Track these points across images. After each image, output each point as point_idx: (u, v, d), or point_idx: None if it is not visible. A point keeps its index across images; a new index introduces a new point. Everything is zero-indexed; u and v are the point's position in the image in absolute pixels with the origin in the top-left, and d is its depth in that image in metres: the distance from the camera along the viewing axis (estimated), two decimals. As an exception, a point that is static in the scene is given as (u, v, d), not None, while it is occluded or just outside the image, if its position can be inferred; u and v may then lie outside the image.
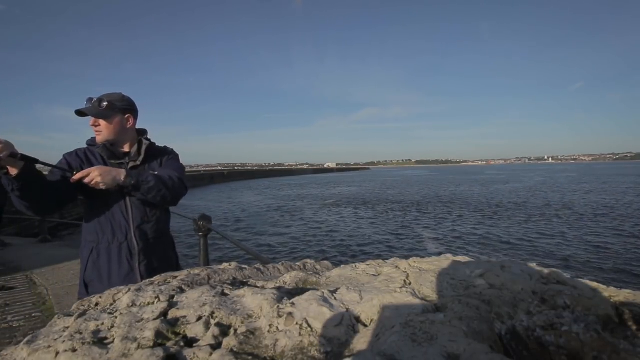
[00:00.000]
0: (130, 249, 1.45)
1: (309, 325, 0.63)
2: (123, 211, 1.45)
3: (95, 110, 1.43)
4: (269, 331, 0.64)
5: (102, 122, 1.44)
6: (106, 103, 1.43)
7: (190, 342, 0.64)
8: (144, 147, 1.52)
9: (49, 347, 0.63)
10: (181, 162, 1.66)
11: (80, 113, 1.43)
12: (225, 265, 1.09)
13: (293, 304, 0.70)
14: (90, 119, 1.45)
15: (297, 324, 0.64)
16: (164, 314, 0.73)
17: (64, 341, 0.63)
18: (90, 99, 1.45)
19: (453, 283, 0.79)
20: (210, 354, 0.58)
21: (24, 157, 1.16)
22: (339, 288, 0.80)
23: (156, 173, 1.45)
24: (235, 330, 0.66)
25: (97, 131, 1.45)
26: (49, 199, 1.30)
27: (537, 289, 0.66)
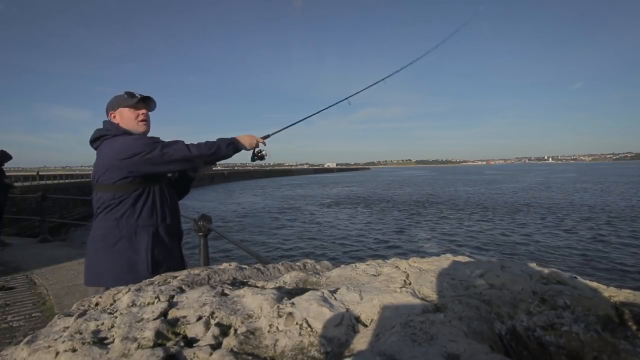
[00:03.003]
0: (179, 234, 1.64)
1: (309, 325, 0.63)
2: (174, 198, 1.63)
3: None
4: (269, 331, 0.64)
5: (149, 114, 1.61)
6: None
7: (190, 342, 0.64)
8: None
9: (49, 347, 0.63)
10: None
11: (150, 100, 1.59)
12: (225, 265, 1.09)
13: (293, 304, 0.70)
14: (142, 111, 1.58)
15: (297, 324, 0.64)
16: (164, 314, 0.73)
17: (64, 341, 0.63)
18: (132, 93, 1.57)
19: (453, 283, 0.79)
20: (210, 354, 0.58)
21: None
22: (339, 288, 0.80)
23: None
24: (235, 330, 0.66)
25: (146, 122, 1.58)
26: None
27: (537, 289, 0.66)
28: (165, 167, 1.46)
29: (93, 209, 1.52)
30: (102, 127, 1.54)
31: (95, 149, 1.52)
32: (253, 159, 1.72)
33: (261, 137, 1.70)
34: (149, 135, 1.59)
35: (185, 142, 1.48)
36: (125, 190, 1.45)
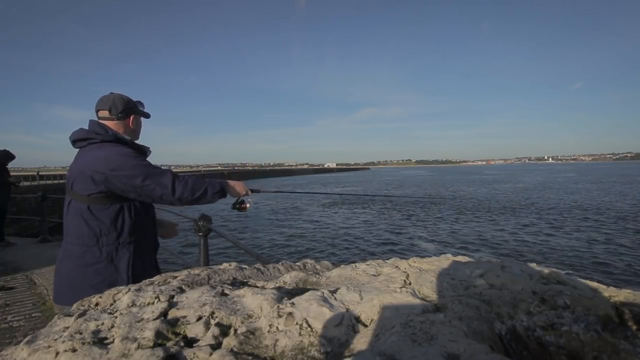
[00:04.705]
0: (156, 247, 1.60)
1: (309, 325, 0.64)
2: (152, 209, 1.58)
3: None
4: (269, 331, 0.64)
5: None
6: None
7: (190, 342, 0.64)
8: None
9: (49, 347, 0.63)
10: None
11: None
12: (225, 265, 1.09)
13: (293, 304, 0.70)
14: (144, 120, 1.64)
15: (297, 324, 0.64)
16: (164, 314, 0.73)
17: (64, 341, 0.63)
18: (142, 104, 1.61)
19: (453, 283, 0.79)
20: (210, 354, 0.58)
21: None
22: (339, 288, 0.80)
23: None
24: (235, 330, 0.66)
25: None
26: None
27: (537, 289, 0.66)
28: (139, 197, 1.38)
29: (63, 212, 1.41)
30: (88, 127, 1.44)
31: (77, 148, 1.43)
32: (234, 207, 1.67)
33: (250, 189, 1.66)
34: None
35: (173, 176, 1.37)
36: (101, 204, 1.35)
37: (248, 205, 1.67)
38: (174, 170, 1.54)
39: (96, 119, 1.48)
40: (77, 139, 1.42)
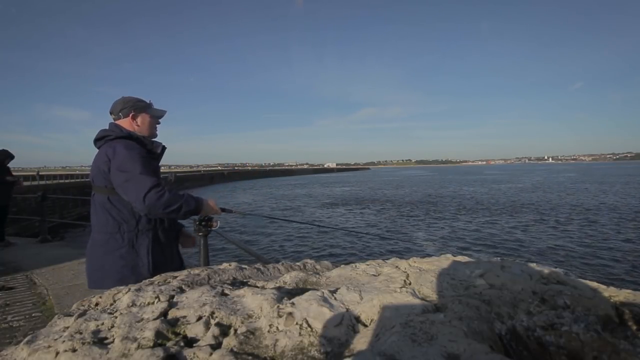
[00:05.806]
0: (177, 236, 1.65)
1: (309, 325, 0.64)
2: None
3: None
4: (269, 331, 0.64)
5: None
6: None
7: (190, 342, 0.64)
8: None
9: (49, 347, 0.63)
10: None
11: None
12: (225, 265, 1.09)
13: (293, 304, 0.70)
14: (159, 121, 1.69)
15: (297, 324, 0.64)
16: (164, 314, 0.73)
17: (64, 341, 0.63)
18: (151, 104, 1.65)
19: (453, 283, 0.79)
20: (210, 354, 0.58)
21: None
22: (339, 288, 0.80)
23: None
24: (235, 330, 0.66)
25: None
26: None
27: (537, 289, 0.66)
28: (120, 194, 1.43)
29: (91, 207, 1.53)
30: (107, 127, 1.57)
31: (98, 148, 1.55)
32: (200, 223, 1.65)
33: (221, 208, 1.65)
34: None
35: (151, 187, 1.37)
36: (119, 195, 1.45)
37: (215, 224, 1.63)
38: (173, 171, 1.53)
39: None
40: (96, 138, 1.56)
